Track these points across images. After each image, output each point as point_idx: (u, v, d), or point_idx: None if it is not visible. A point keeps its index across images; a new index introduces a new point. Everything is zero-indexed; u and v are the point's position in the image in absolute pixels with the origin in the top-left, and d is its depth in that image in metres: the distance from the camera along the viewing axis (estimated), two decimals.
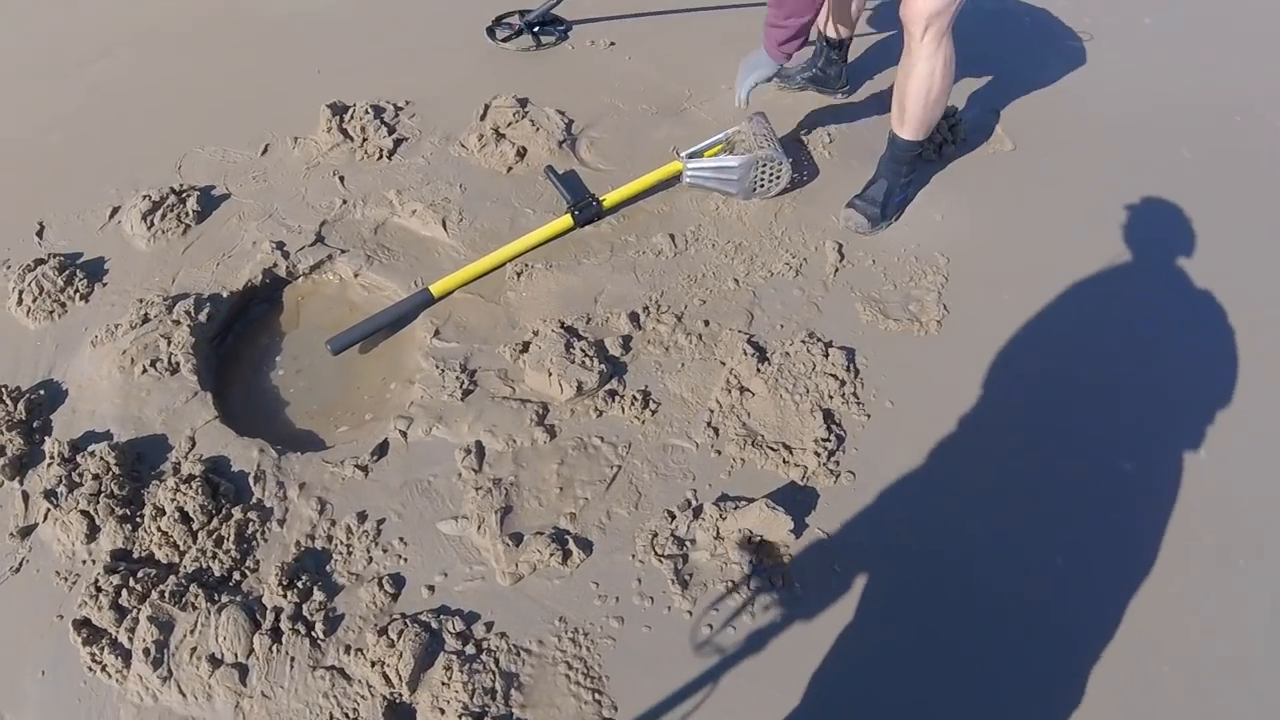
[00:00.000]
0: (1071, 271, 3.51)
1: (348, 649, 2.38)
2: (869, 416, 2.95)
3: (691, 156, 3.64)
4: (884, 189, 3.60)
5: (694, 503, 2.70)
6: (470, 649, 2.39)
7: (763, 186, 3.63)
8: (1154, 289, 3.49)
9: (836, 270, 3.43)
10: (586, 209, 3.42)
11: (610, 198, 3.45)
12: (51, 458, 2.78)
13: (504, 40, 4.66)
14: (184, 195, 3.59)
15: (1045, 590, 2.61)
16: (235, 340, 3.29)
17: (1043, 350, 3.23)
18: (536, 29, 4.69)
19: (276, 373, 3.16)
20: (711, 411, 2.93)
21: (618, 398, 2.94)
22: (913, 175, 3.70)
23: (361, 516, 2.66)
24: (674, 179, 3.68)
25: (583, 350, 2.96)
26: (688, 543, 2.60)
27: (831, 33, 4.08)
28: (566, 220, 3.37)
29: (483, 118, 3.99)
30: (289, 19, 4.96)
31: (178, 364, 3.03)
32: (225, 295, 3.26)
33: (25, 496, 2.72)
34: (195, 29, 4.90)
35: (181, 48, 4.74)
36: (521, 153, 3.82)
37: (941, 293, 3.38)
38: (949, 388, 3.08)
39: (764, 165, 3.57)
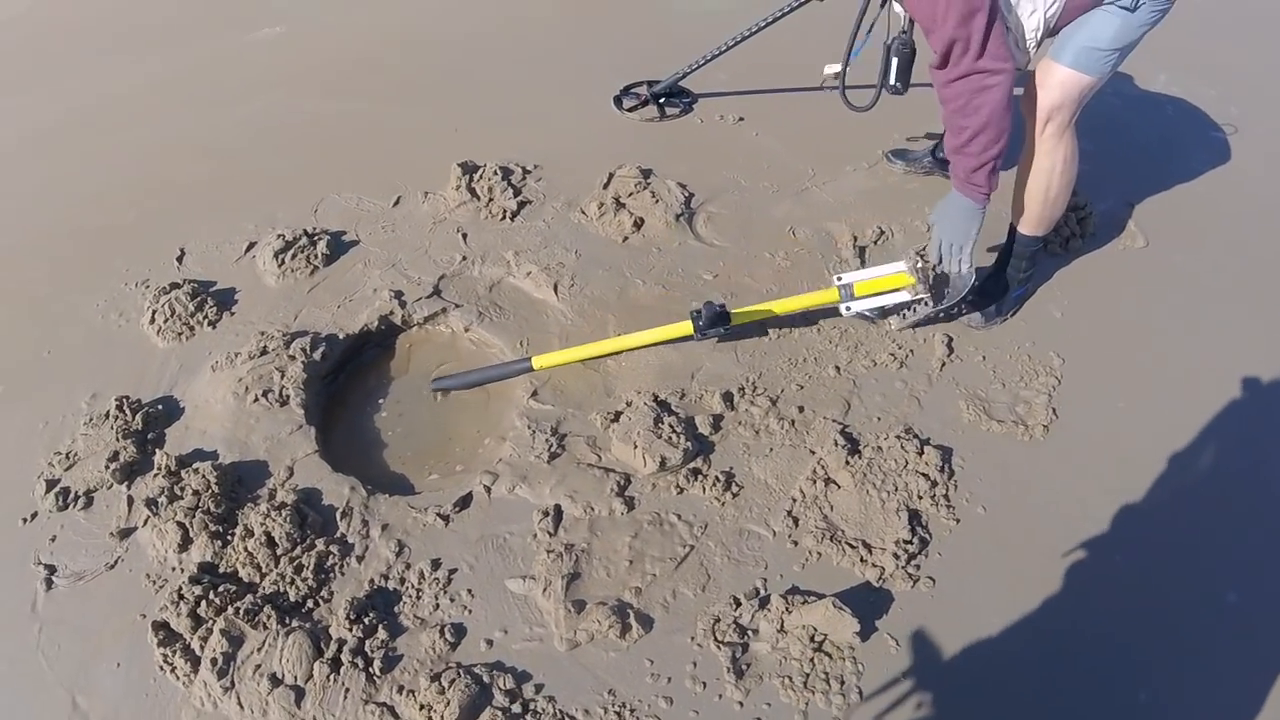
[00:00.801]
0: (1197, 382, 3.35)
1: (400, 689, 2.41)
2: (958, 521, 2.85)
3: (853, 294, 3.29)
4: (1002, 283, 3.52)
5: (762, 592, 2.65)
6: (517, 708, 2.38)
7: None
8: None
9: (943, 365, 3.36)
10: (713, 330, 3.24)
11: (741, 317, 3.30)
12: (159, 469, 2.92)
13: (630, 109, 4.77)
14: (316, 238, 3.76)
15: None
16: (346, 380, 3.40)
17: (1156, 467, 3.07)
18: (662, 100, 4.79)
19: (380, 415, 3.25)
20: (794, 500, 2.88)
21: (700, 477, 2.92)
22: (1033, 270, 3.57)
23: (435, 564, 2.71)
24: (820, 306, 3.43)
25: (671, 426, 2.97)
26: (750, 632, 2.55)
27: None
28: (686, 327, 3.26)
29: (606, 186, 4.09)
30: (435, 74, 5.21)
31: (288, 397, 3.14)
32: (341, 337, 3.39)
33: (130, 501, 2.87)
34: (345, 76, 5.20)
35: (332, 93, 5.03)
36: (639, 223, 3.89)
37: (1052, 395, 3.26)
38: (1048, 499, 2.95)
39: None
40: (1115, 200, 4.17)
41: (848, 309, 3.25)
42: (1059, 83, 3.01)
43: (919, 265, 3.16)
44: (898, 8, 3.15)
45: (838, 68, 3.55)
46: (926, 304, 3.22)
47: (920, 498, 2.87)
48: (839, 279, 3.25)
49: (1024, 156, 3.26)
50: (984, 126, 2.86)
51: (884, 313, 3.46)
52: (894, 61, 3.34)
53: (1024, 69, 3.09)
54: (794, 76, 4.99)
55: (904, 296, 3.22)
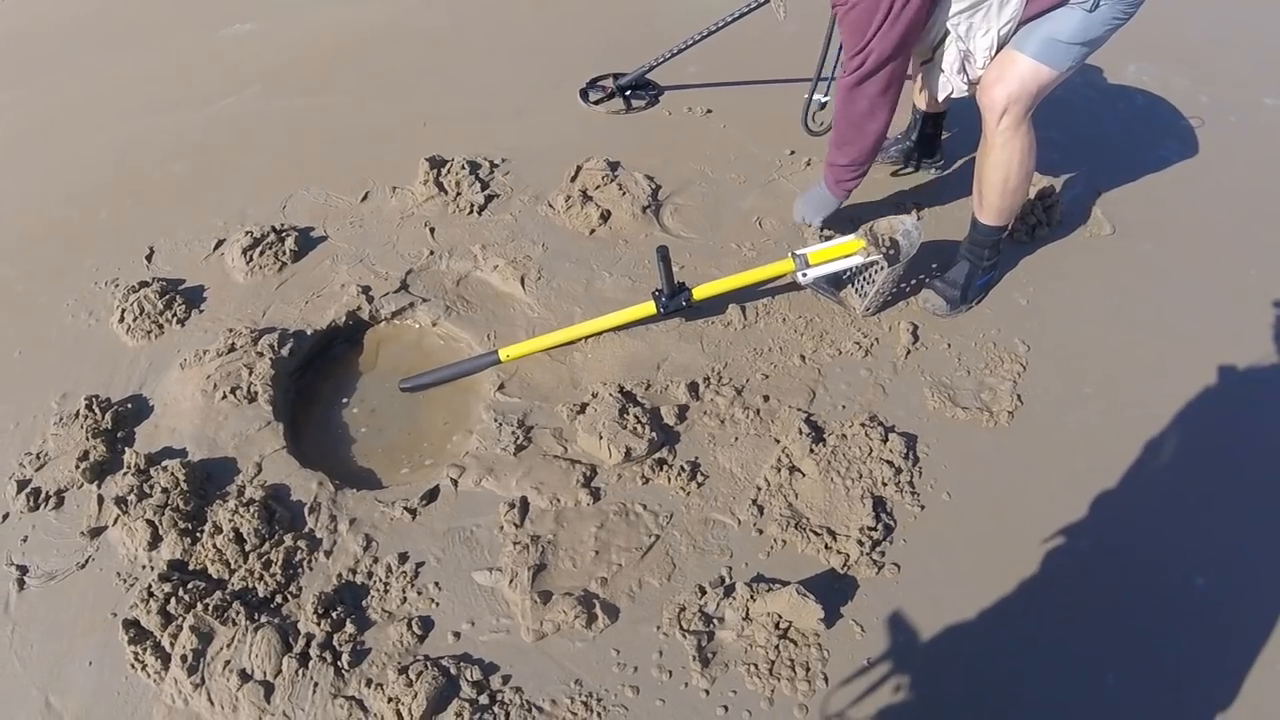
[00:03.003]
0: (1163, 368, 3.38)
1: (369, 682, 2.43)
2: (923, 508, 2.88)
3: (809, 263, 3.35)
4: (965, 271, 3.53)
5: (727, 580, 2.66)
6: (484, 699, 2.40)
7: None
8: (1254, 395, 3.33)
9: (908, 352, 3.38)
10: (674, 302, 3.29)
11: (701, 291, 3.33)
12: (128, 467, 2.94)
13: (595, 103, 4.79)
14: (284, 234, 3.77)
15: (1093, 713, 2.48)
16: (314, 376, 3.40)
17: (1122, 453, 3.09)
18: (628, 93, 4.80)
19: (349, 410, 3.27)
20: (759, 489, 2.90)
21: (666, 467, 2.94)
22: (997, 258, 3.59)
23: (403, 557, 2.72)
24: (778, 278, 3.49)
25: (636, 417, 2.99)
26: (715, 620, 2.57)
27: (924, 105, 4.00)
28: (649, 308, 3.30)
29: (573, 179, 4.09)
30: (405, 68, 5.23)
31: (256, 393, 3.15)
32: (309, 333, 3.40)
33: (100, 500, 2.88)
34: (316, 72, 5.21)
35: (302, 89, 5.04)
36: (605, 216, 3.90)
37: (1017, 382, 3.29)
38: (1013, 484, 2.97)
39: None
40: (1083, 188, 4.20)
41: (804, 275, 3.27)
42: (1019, 74, 3.01)
43: (870, 230, 3.22)
44: None
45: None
46: (881, 266, 3.23)
47: (885, 485, 2.90)
48: (794, 251, 3.29)
49: (982, 148, 3.27)
50: (868, 145, 3.29)
51: (839, 284, 3.51)
52: None
53: (968, 93, 3.22)
54: (762, 69, 5.04)
55: (857, 260, 3.25)
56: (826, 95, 3.80)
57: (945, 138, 4.25)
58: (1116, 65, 5.16)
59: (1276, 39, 5.80)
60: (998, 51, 3.03)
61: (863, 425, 3.05)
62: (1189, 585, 2.74)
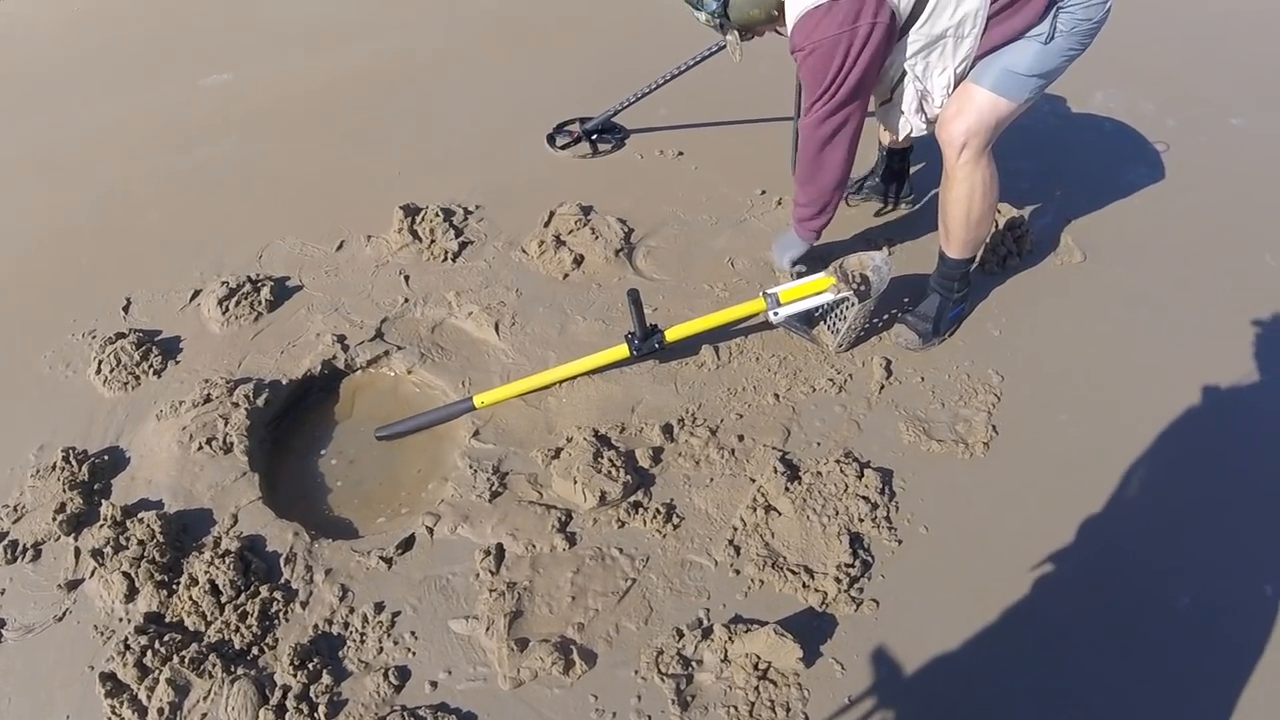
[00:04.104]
0: (1138, 391, 3.40)
1: None
2: (900, 542, 2.88)
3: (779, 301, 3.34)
4: (936, 304, 3.55)
5: (705, 622, 2.66)
6: None
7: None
8: (1229, 417, 3.33)
9: (882, 387, 3.39)
10: (647, 345, 3.31)
11: (674, 333, 3.35)
12: (105, 520, 2.93)
13: (562, 147, 4.83)
14: (259, 284, 3.78)
15: None
16: (290, 425, 3.40)
17: (1099, 477, 3.10)
18: (594, 137, 4.84)
19: (325, 460, 3.26)
20: (735, 529, 2.90)
21: (641, 509, 2.94)
22: (967, 289, 3.62)
23: (379, 607, 2.71)
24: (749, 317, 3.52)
25: (611, 460, 2.99)
26: (694, 663, 2.56)
27: (889, 141, 4.06)
28: (622, 351, 3.32)
29: (547, 224, 4.12)
30: (381, 116, 5.27)
31: (231, 444, 3.15)
32: (284, 382, 3.41)
33: (77, 552, 2.87)
34: (292, 121, 5.25)
35: (279, 138, 5.07)
36: (579, 260, 3.92)
37: (992, 413, 3.30)
38: (991, 515, 2.98)
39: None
40: (1053, 217, 4.24)
41: (775, 314, 3.28)
42: (976, 108, 3.05)
43: (840, 267, 3.24)
44: None
45: None
46: (852, 303, 3.24)
47: (861, 520, 2.90)
48: (765, 290, 3.29)
49: (944, 183, 3.31)
50: (830, 184, 3.30)
51: (811, 322, 3.53)
52: None
53: (928, 131, 3.24)
54: (733, 109, 5.07)
55: (828, 297, 3.26)
56: None
57: (913, 171, 4.28)
58: (1083, 93, 5.22)
59: (1242, 58, 5.88)
60: (954, 88, 3.05)
61: (838, 462, 3.05)
62: (1173, 606, 2.74)
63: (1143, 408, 3.33)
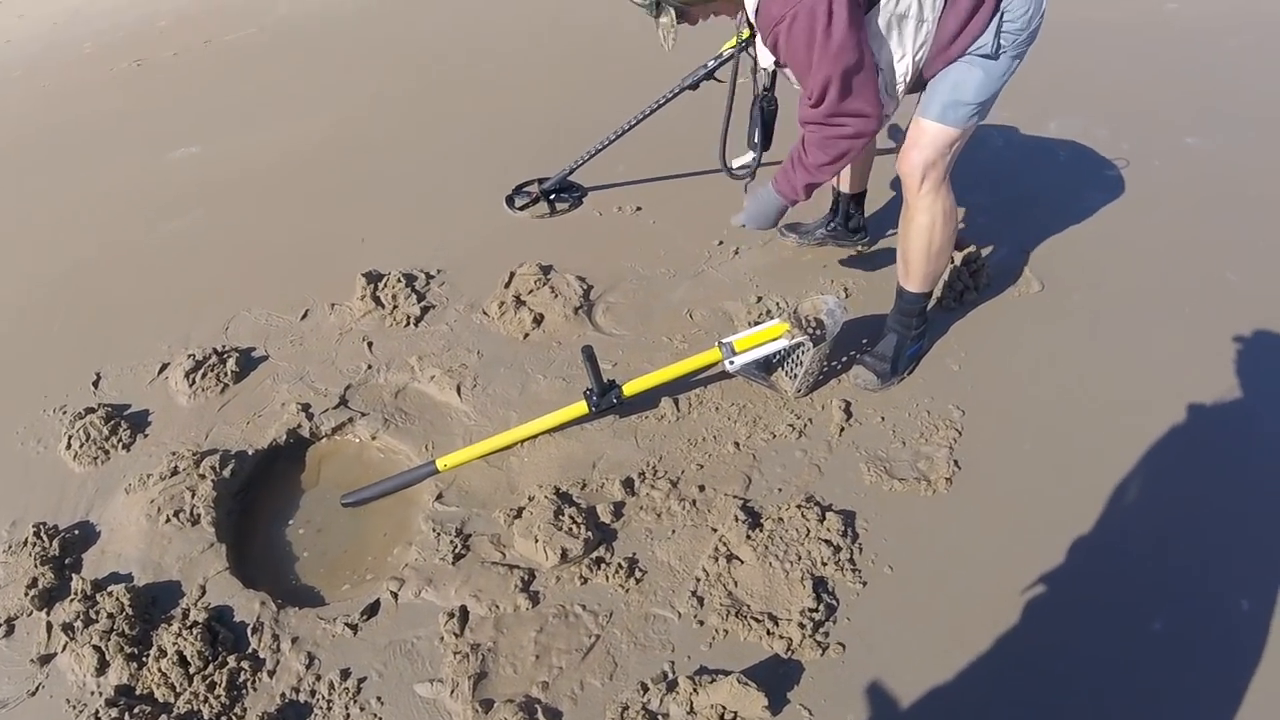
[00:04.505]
0: (1100, 420, 3.41)
1: None
2: (864, 584, 2.87)
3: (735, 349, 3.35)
4: (894, 343, 3.58)
5: (670, 675, 2.65)
6: None
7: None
8: (1196, 441, 3.34)
9: (842, 430, 3.40)
10: (605, 400, 3.35)
11: (632, 387, 3.38)
12: (76, 594, 2.94)
13: (521, 208, 4.89)
14: (225, 356, 3.82)
15: None
16: (257, 495, 3.42)
17: (1064, 507, 3.10)
18: (552, 196, 4.90)
19: (293, 529, 3.28)
20: (698, 580, 2.90)
21: (604, 565, 2.95)
22: (924, 327, 3.65)
23: (345, 673, 2.71)
24: (707, 367, 3.53)
25: (571, 517, 3.01)
26: (659, 717, 2.55)
27: (846, 187, 4.19)
28: (581, 408, 3.34)
29: (507, 285, 4.17)
30: (345, 184, 5.36)
31: (199, 516, 3.17)
32: (250, 453, 3.43)
33: (49, 627, 2.88)
34: (259, 192, 5.35)
35: (247, 210, 5.16)
36: (539, 319, 3.96)
37: (954, 448, 3.31)
38: (956, 551, 2.98)
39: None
40: (1010, 249, 4.30)
41: (731, 363, 3.30)
42: (930, 140, 3.13)
43: (793, 312, 3.30)
44: (764, 60, 3.22)
45: (747, 159, 3.75)
46: (807, 348, 3.27)
47: (824, 564, 2.90)
48: (721, 340, 3.32)
49: (904, 216, 3.36)
50: (837, 159, 3.13)
51: (769, 368, 3.56)
52: (759, 118, 3.55)
53: (890, 115, 3.21)
54: (689, 162, 5.15)
55: (783, 343, 3.29)
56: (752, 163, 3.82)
57: (867, 214, 4.35)
58: (1037, 122, 5.31)
59: (1193, 78, 5.98)
60: (913, 81, 3.09)
61: (799, 507, 3.06)
62: (1148, 631, 2.74)
63: (1106, 433, 3.35)
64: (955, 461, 3.25)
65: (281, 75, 6.92)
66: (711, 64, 3.92)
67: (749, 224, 3.54)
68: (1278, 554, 2.94)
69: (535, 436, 3.40)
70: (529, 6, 8.13)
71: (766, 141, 3.67)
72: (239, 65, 7.17)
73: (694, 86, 4.06)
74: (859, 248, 4.36)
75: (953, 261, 3.91)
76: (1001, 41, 2.98)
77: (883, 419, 3.44)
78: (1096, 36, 6.66)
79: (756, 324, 3.46)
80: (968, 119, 3.10)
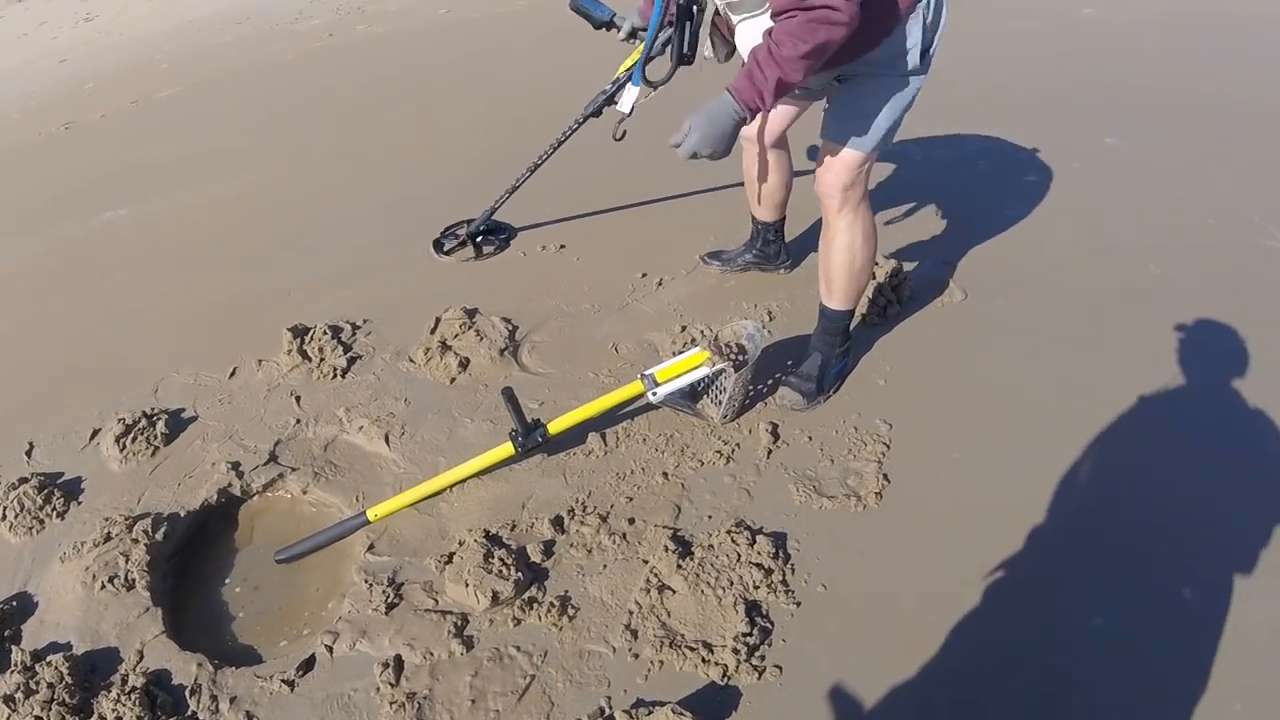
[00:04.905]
0: (1029, 425, 3.47)
1: None
2: (798, 605, 2.89)
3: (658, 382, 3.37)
4: (818, 363, 3.62)
5: (606, 710, 2.66)
6: None
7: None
8: (1124, 441, 3.40)
9: (770, 452, 3.43)
10: (530, 439, 3.33)
11: (556, 425, 3.38)
12: (15, 666, 2.91)
13: (448, 252, 4.90)
14: (154, 418, 3.80)
15: None
16: (191, 557, 3.40)
17: (996, 516, 3.14)
18: (479, 239, 4.91)
19: (229, 588, 3.27)
20: (631, 613, 2.91)
21: (536, 605, 2.95)
22: (849, 344, 3.69)
23: None
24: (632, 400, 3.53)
25: (501, 559, 3.02)
26: None
27: (766, 216, 4.23)
28: (508, 449, 3.34)
29: (433, 331, 4.17)
30: (271, 239, 5.37)
31: (134, 581, 3.15)
32: (183, 515, 3.41)
33: None
34: (187, 252, 5.32)
35: (177, 269, 5.13)
36: (464, 363, 3.98)
37: (882, 462, 3.35)
38: (889, 564, 3.01)
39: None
40: (932, 262, 4.37)
41: (654, 394, 3.33)
42: (843, 163, 3.18)
43: (714, 340, 3.33)
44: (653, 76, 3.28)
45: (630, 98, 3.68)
46: (728, 374, 3.31)
47: (757, 588, 2.92)
48: (643, 372, 3.36)
49: (825, 234, 3.40)
50: (815, 49, 2.65)
51: (695, 396, 3.59)
52: (686, 25, 3.16)
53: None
54: (610, 197, 5.23)
55: (704, 371, 3.32)
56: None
57: (789, 237, 4.40)
58: (956, 136, 5.36)
59: (1109, 78, 6.09)
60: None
61: (729, 532, 3.08)
62: (1088, 633, 2.77)
63: (1034, 439, 3.41)
64: (884, 475, 3.29)
65: (207, 133, 6.91)
66: (610, 88, 3.93)
67: (699, 148, 2.85)
68: (1212, 551, 3.00)
69: (464, 481, 3.40)
70: (445, 54, 8.18)
71: (692, 46, 3.22)
72: (166, 125, 7.17)
73: (596, 114, 4.08)
74: (782, 271, 4.41)
75: (874, 278, 3.96)
76: (925, 44, 2.98)
77: (810, 438, 3.48)
78: (1015, 44, 6.77)
79: (679, 354, 3.48)
80: (878, 140, 3.14)
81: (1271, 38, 7.49)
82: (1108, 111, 5.79)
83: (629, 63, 3.73)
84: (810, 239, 4.37)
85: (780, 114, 3.72)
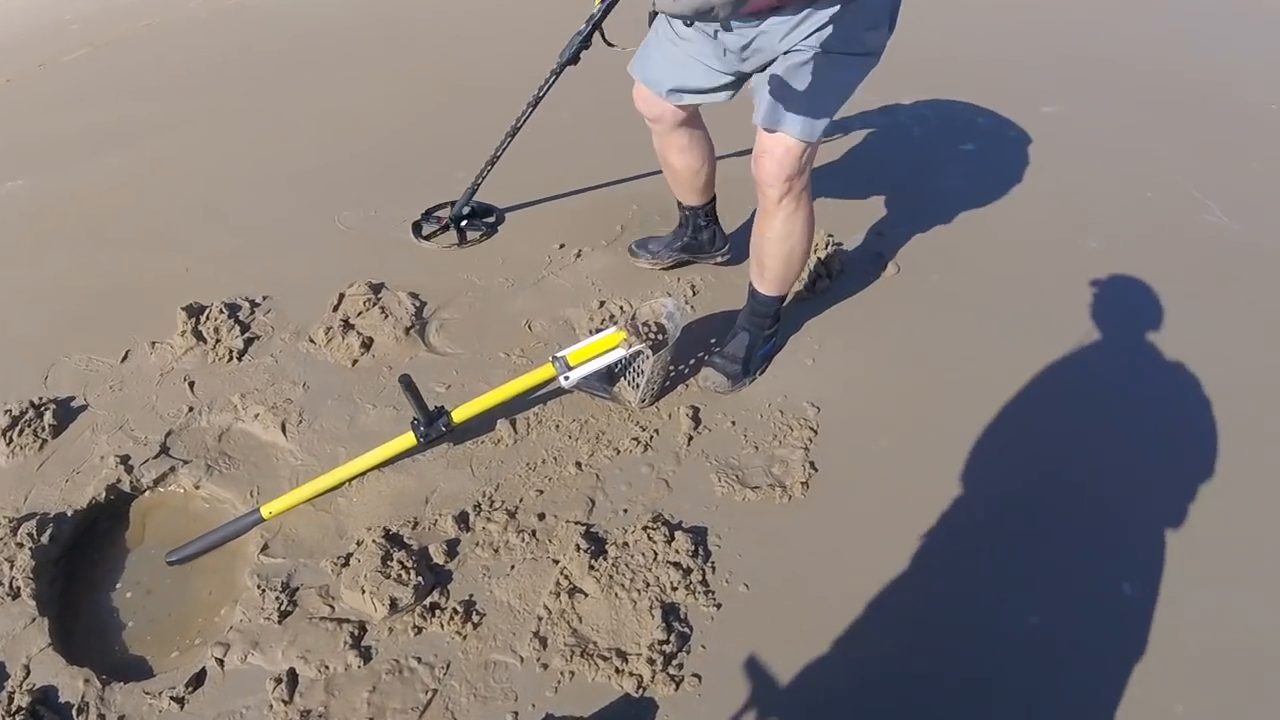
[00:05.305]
0: (961, 404, 3.35)
1: None
2: (719, 606, 2.75)
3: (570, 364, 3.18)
4: (745, 343, 3.43)
5: None
6: None
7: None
8: (1060, 415, 3.31)
9: (690, 439, 3.26)
10: (433, 429, 3.13)
11: (461, 413, 3.17)
12: None
13: (427, 238, 4.51)
14: (42, 409, 3.55)
15: None
16: (80, 560, 3.19)
17: (927, 499, 3.02)
18: (464, 223, 4.51)
19: (119, 594, 3.07)
20: (540, 619, 2.74)
21: (439, 611, 2.78)
22: (779, 324, 3.51)
23: None
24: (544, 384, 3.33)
25: (401, 562, 2.84)
26: None
27: (692, 200, 3.83)
28: (410, 439, 3.13)
29: (336, 308, 3.94)
30: (172, 213, 4.98)
31: (19, 589, 2.96)
32: (70, 514, 3.19)
33: None
34: (89, 227, 4.91)
35: (73, 247, 4.74)
36: (367, 344, 3.76)
37: (809, 449, 3.20)
38: (816, 559, 2.87)
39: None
40: (863, 234, 4.24)
41: (566, 379, 3.13)
42: (787, 151, 2.90)
43: (630, 321, 3.11)
44: None
45: None
46: (646, 356, 3.13)
47: (674, 589, 2.77)
48: (554, 355, 3.15)
49: (761, 222, 3.17)
50: None
51: (611, 379, 3.39)
52: None
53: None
54: (530, 162, 4.87)
55: (620, 353, 3.13)
56: None
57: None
58: (891, 103, 5.23)
59: (1047, 45, 6.03)
60: None
61: (645, 529, 2.92)
62: (1023, 624, 2.68)
63: (967, 418, 3.30)
64: (811, 463, 3.15)
65: (115, 98, 6.51)
66: (586, 28, 3.65)
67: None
68: (1148, 535, 2.93)
69: (364, 474, 3.21)
70: (376, 11, 7.78)
71: None
72: (73, 90, 6.77)
73: (574, 60, 3.77)
74: (718, 259, 4.11)
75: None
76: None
77: (734, 423, 3.31)
78: (953, 9, 6.63)
79: (596, 333, 3.29)
80: (825, 125, 2.89)
81: (1218, 12, 7.46)
82: (1044, 78, 5.75)
83: None
84: (743, 221, 4.15)
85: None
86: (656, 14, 3.09)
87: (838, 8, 2.64)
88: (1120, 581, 2.81)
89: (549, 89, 3.93)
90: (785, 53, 2.77)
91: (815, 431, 3.28)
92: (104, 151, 5.72)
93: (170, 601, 3.03)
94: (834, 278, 3.93)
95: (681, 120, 3.37)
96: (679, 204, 3.91)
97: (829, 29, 2.68)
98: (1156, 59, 6.38)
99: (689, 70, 3.09)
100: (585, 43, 3.69)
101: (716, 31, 2.87)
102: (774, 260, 3.25)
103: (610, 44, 3.68)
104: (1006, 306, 3.78)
